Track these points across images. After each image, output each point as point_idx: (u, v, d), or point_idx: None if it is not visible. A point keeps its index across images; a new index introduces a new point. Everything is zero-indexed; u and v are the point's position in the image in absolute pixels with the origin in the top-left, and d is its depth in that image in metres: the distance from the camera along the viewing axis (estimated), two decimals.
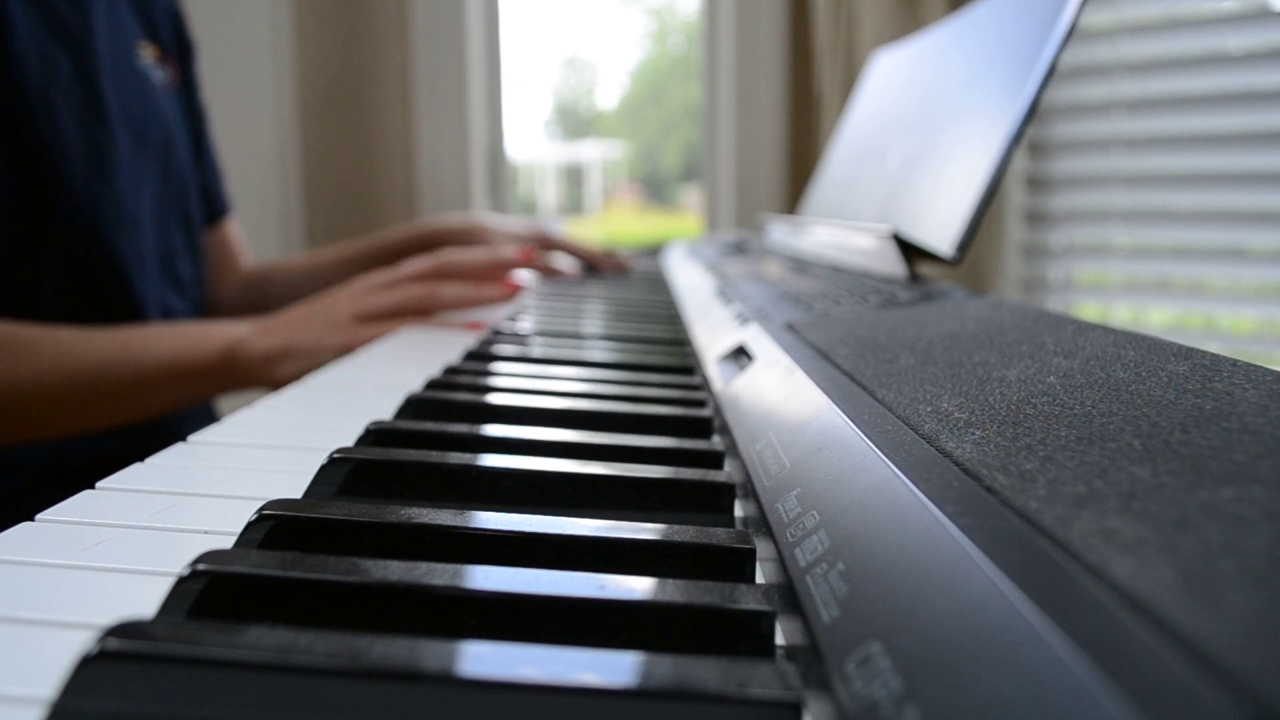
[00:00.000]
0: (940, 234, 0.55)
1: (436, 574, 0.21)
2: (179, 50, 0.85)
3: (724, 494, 0.30)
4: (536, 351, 0.56)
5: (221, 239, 0.94)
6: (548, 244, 1.00)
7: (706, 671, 0.17)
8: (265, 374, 0.64)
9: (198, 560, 0.21)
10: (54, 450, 0.69)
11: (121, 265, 0.70)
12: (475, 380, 0.46)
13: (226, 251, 0.95)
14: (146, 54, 0.78)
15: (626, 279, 1.01)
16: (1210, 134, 1.24)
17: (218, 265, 0.94)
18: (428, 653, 0.17)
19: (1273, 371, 0.23)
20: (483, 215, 1.07)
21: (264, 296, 0.94)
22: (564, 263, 1.03)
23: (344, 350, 0.63)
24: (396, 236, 0.95)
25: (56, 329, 0.61)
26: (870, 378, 0.31)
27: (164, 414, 0.67)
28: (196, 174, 0.85)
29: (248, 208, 1.54)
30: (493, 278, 0.71)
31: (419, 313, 0.67)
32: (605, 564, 0.24)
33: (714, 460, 0.34)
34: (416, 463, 0.30)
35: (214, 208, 0.92)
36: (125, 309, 0.72)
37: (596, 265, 1.05)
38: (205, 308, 0.89)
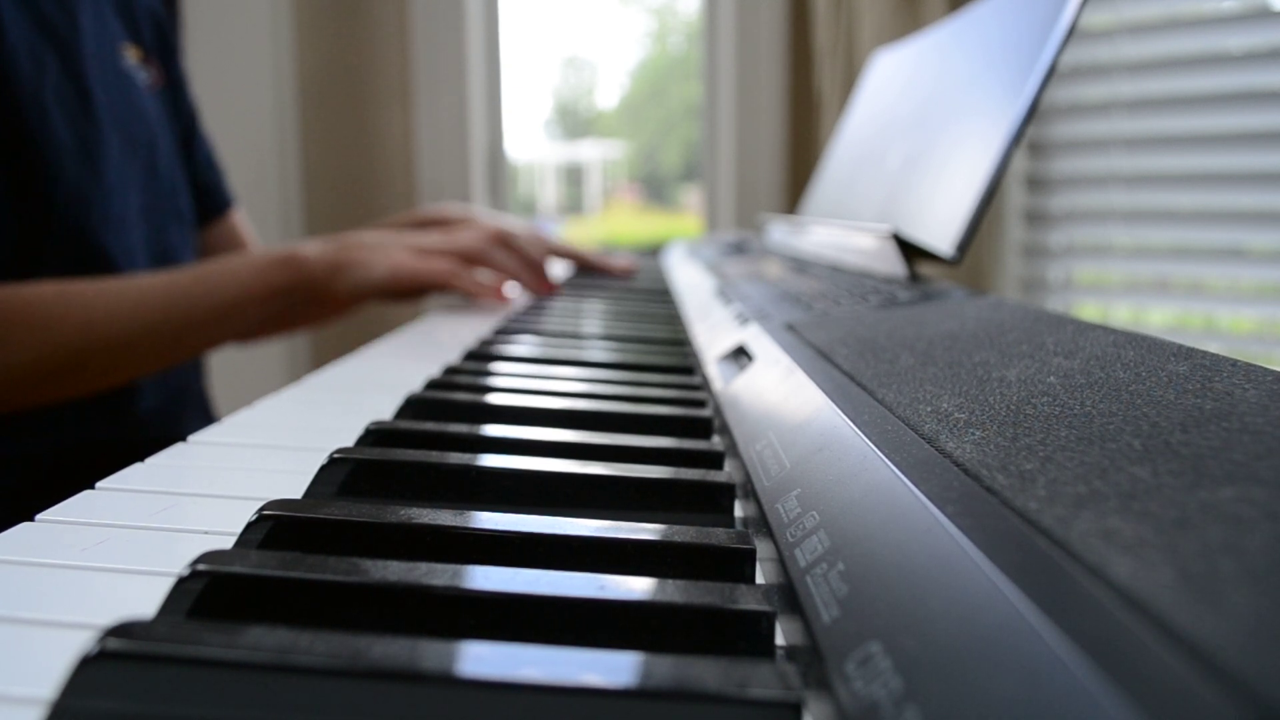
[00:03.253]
0: (940, 234, 0.55)
1: (436, 574, 0.21)
2: (161, 51, 0.85)
3: (724, 494, 0.30)
4: (536, 351, 0.56)
5: (229, 232, 0.95)
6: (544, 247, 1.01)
7: (706, 672, 0.17)
8: (326, 287, 0.70)
9: (198, 560, 0.21)
10: (49, 436, 0.69)
11: (111, 260, 0.71)
12: (475, 380, 0.46)
13: (236, 244, 0.96)
14: (130, 55, 0.78)
15: (627, 279, 1.01)
16: (1210, 134, 1.24)
17: None
18: (428, 653, 0.17)
19: (1273, 371, 0.23)
20: (482, 210, 1.08)
21: None
22: (557, 269, 1.03)
23: (394, 268, 0.70)
24: (396, 224, 0.96)
25: (139, 275, 0.66)
26: (870, 378, 0.31)
27: (237, 340, 0.74)
28: (184, 172, 0.86)
29: (248, 208, 1.54)
30: (537, 272, 0.81)
31: (469, 261, 0.75)
32: (605, 564, 0.24)
33: (714, 460, 0.34)
34: (416, 463, 0.30)
35: (215, 202, 0.92)
36: None
37: (596, 270, 1.04)
38: None
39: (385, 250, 0.71)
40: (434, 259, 0.72)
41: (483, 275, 0.76)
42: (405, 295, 0.74)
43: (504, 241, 0.78)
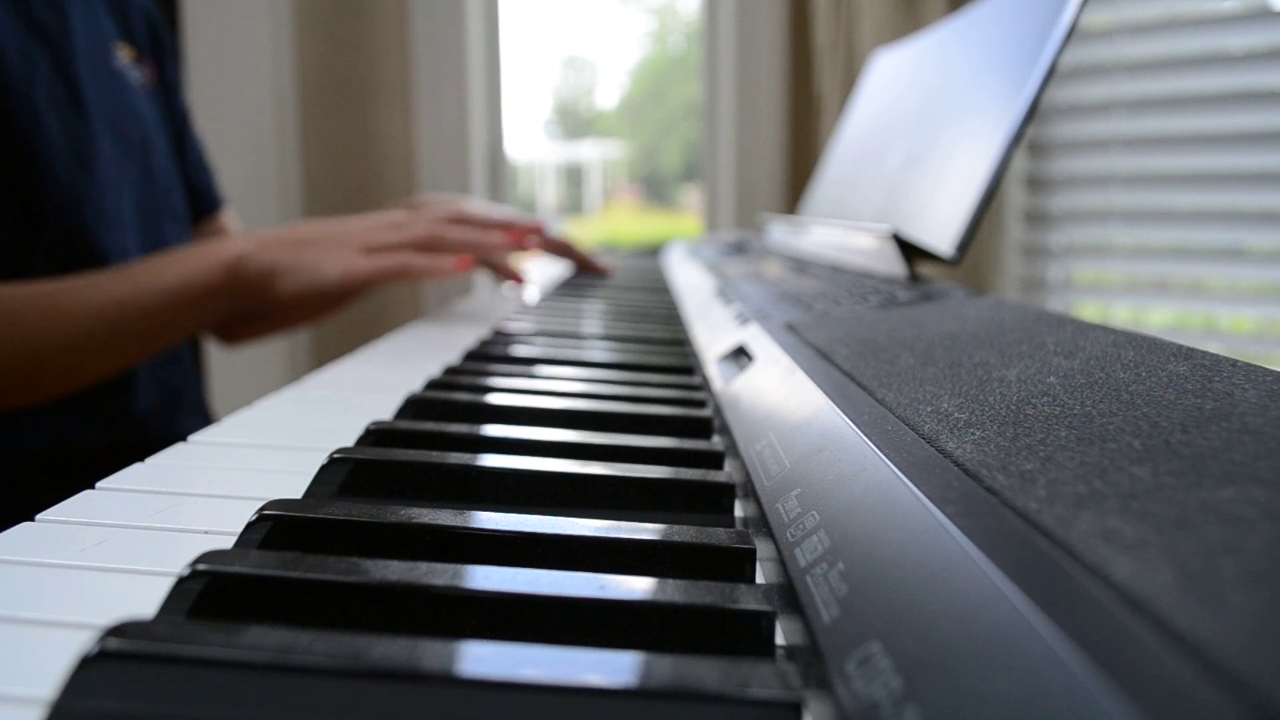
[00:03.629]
0: (940, 234, 0.55)
1: (436, 574, 0.21)
2: (155, 51, 0.85)
3: (724, 494, 0.30)
4: (536, 351, 0.56)
5: (218, 233, 0.94)
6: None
7: (707, 671, 0.17)
8: (267, 288, 0.66)
9: (198, 560, 0.21)
10: (47, 439, 0.69)
11: (105, 260, 0.71)
12: (475, 380, 0.46)
13: None
14: (123, 54, 0.78)
15: (627, 279, 1.01)
16: (1210, 134, 1.24)
17: None
18: (428, 653, 0.17)
19: (1273, 371, 0.23)
20: (470, 199, 1.07)
21: None
22: (552, 268, 1.02)
23: (343, 276, 0.65)
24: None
25: (63, 280, 0.63)
26: (870, 378, 0.31)
27: (183, 338, 0.69)
28: (178, 172, 0.85)
29: (248, 208, 1.54)
30: (496, 231, 0.73)
31: (424, 249, 0.69)
32: (605, 564, 0.24)
33: (714, 460, 0.34)
34: (416, 463, 0.30)
35: (206, 203, 0.92)
36: None
37: (581, 265, 1.04)
38: None
39: (336, 251, 0.67)
40: (386, 256, 0.68)
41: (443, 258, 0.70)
42: (358, 293, 0.71)
43: (458, 218, 0.72)
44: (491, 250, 0.72)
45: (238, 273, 0.65)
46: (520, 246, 0.75)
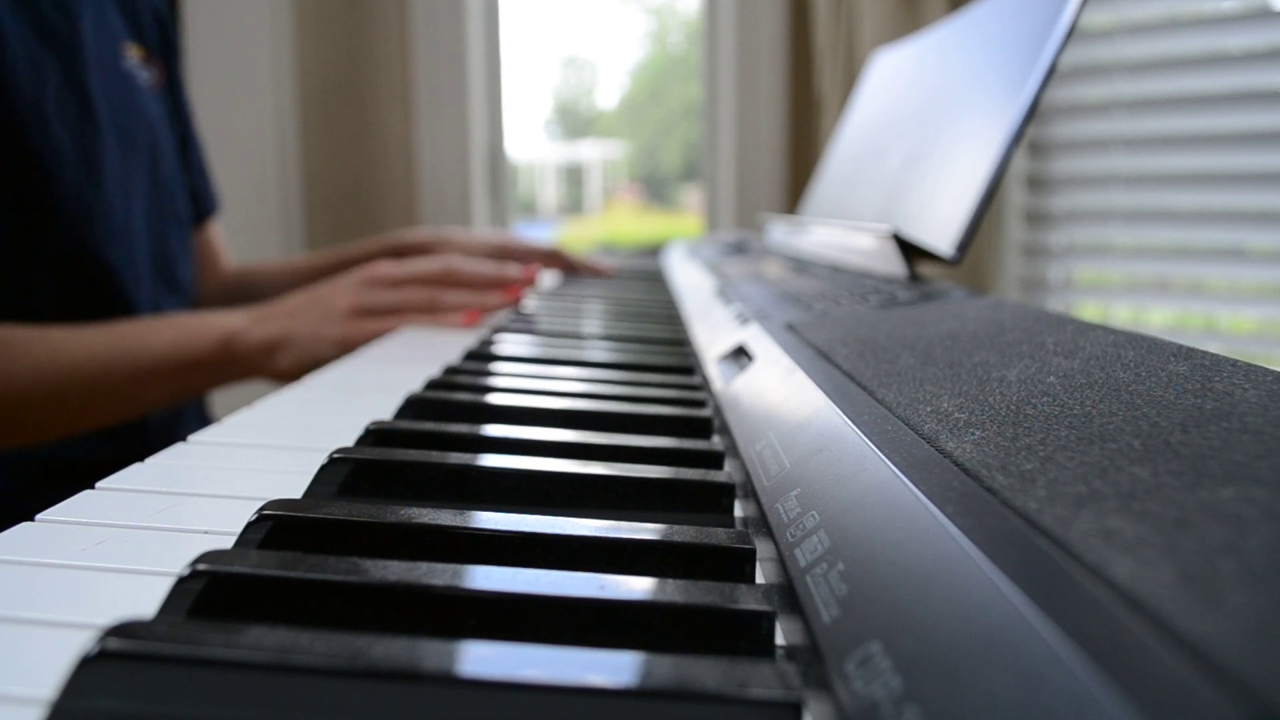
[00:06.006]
0: (940, 234, 0.55)
1: (436, 574, 0.21)
2: (163, 49, 0.84)
3: (724, 494, 0.30)
4: (536, 351, 0.56)
5: (205, 239, 0.94)
6: (514, 253, 0.98)
7: (706, 671, 0.17)
8: (264, 364, 0.64)
9: (198, 560, 0.21)
10: (53, 451, 0.69)
11: (114, 271, 0.70)
12: (475, 380, 0.46)
13: (209, 252, 0.95)
14: (132, 54, 0.77)
15: (627, 279, 1.01)
16: (1210, 134, 1.24)
17: (201, 266, 0.94)
18: (428, 653, 0.17)
19: (1273, 371, 0.23)
20: (449, 230, 1.05)
21: (243, 299, 0.93)
22: (545, 278, 1.01)
23: (342, 342, 0.64)
24: (367, 249, 0.94)
25: (50, 328, 0.61)
26: (870, 378, 0.31)
27: (162, 409, 0.67)
28: (183, 176, 0.85)
29: (248, 209, 1.54)
30: (495, 288, 0.72)
31: (419, 313, 0.68)
32: (605, 564, 0.24)
33: (714, 460, 0.34)
34: (416, 463, 0.30)
35: (202, 208, 0.91)
36: (119, 315, 0.71)
37: (580, 272, 1.03)
38: (196, 309, 0.88)
39: (330, 318, 0.65)
40: (382, 320, 0.66)
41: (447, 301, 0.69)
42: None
43: (451, 277, 0.70)
44: (490, 311, 0.71)
45: (231, 349, 0.64)
46: (517, 300, 0.73)
